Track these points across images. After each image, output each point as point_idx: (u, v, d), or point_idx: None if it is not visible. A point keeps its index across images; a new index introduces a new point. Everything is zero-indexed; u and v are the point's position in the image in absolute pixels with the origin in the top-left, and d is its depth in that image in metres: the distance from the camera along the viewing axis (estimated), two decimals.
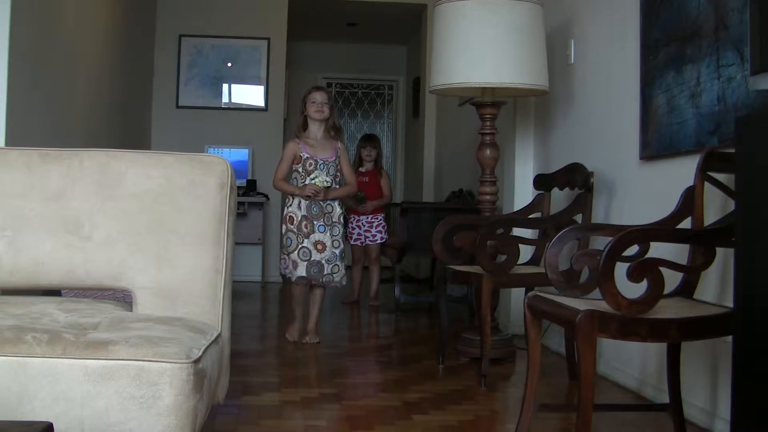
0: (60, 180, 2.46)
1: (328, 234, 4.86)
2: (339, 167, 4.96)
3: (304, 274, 4.80)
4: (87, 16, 5.44)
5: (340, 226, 4.94)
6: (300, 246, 4.82)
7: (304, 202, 4.84)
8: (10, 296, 2.51)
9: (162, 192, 2.46)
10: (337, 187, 4.99)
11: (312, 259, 4.81)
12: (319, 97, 4.91)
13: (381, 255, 7.06)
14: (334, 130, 4.98)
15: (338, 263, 4.89)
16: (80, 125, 5.35)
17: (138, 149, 2.98)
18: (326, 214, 4.88)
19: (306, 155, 4.88)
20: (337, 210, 4.95)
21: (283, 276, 5.04)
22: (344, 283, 4.98)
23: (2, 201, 2.44)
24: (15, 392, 1.87)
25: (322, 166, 4.86)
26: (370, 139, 7.29)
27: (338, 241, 4.90)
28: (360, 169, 7.07)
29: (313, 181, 4.77)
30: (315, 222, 4.84)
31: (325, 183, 4.77)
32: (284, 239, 4.92)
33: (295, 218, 4.86)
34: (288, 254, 4.86)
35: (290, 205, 4.90)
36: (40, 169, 2.48)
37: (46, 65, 4.39)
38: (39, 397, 1.87)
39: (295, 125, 5.11)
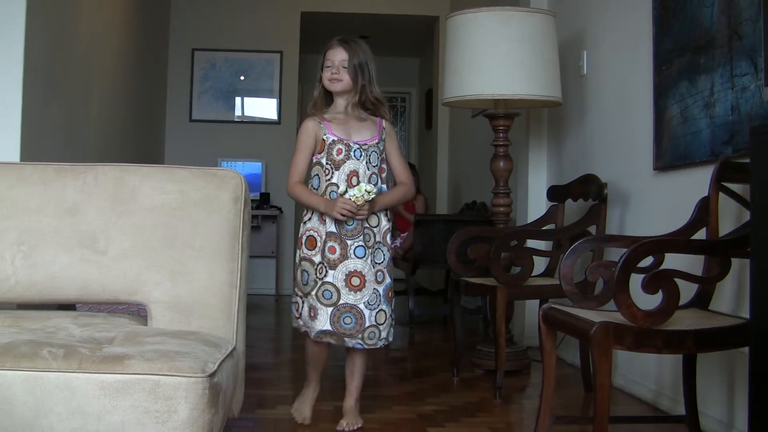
0: (75, 195, 2.48)
1: (368, 261, 3.14)
2: (384, 155, 3.27)
3: (328, 327, 3.11)
4: (101, 31, 5.48)
5: (387, 250, 3.24)
6: (321, 282, 3.12)
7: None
8: (25, 311, 2.52)
9: (176, 206, 2.47)
10: (384, 188, 3.27)
11: (341, 302, 3.11)
12: (336, 56, 3.22)
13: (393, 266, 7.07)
14: (371, 105, 3.28)
15: (384, 308, 3.18)
16: (94, 139, 5.37)
17: (151, 163, 3.00)
18: (367, 231, 3.17)
19: (332, 137, 3.17)
20: (384, 223, 3.24)
21: (297, 328, 3.29)
22: (391, 338, 3.27)
23: (18, 216, 2.46)
24: (31, 407, 1.88)
25: (358, 153, 3.15)
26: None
27: (382, 272, 3.20)
28: None
29: (351, 195, 3.05)
30: (349, 242, 3.13)
31: (366, 195, 3.05)
32: (298, 272, 3.21)
33: (317, 239, 3.16)
34: (304, 295, 3.18)
35: (309, 219, 3.22)
36: (56, 184, 2.49)
37: (60, 80, 4.42)
38: (55, 412, 1.88)
39: (312, 101, 3.32)
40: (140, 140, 7.23)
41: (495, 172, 4.50)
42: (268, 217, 8.11)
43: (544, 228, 4.38)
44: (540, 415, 2.85)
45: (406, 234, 6.93)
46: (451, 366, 4.35)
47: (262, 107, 8.71)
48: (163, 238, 2.45)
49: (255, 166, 8.27)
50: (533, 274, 3.99)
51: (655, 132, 3.66)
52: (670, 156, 3.54)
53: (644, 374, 3.75)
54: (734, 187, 2.82)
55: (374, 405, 3.60)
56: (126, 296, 2.46)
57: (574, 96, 4.74)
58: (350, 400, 3.32)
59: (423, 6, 8.79)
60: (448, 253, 4.20)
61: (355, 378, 3.33)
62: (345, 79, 3.21)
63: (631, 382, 3.86)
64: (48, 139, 4.16)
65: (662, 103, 3.60)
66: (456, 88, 4.36)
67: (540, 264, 4.28)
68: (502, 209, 4.48)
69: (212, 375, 1.94)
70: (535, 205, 5.18)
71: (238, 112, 8.68)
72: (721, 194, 2.84)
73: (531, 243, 4.39)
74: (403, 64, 11.04)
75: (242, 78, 8.62)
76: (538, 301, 4.18)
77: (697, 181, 3.20)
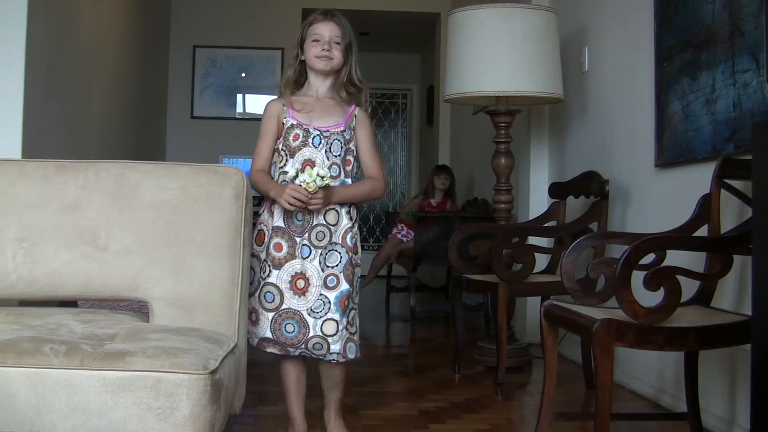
0: (76, 191, 2.48)
1: (315, 262, 2.78)
2: (350, 145, 2.88)
3: (268, 334, 2.78)
4: (102, 28, 5.47)
5: (345, 252, 2.82)
6: (264, 283, 2.80)
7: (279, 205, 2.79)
8: (27, 307, 2.52)
9: (178, 203, 2.47)
10: (347, 181, 2.86)
11: (283, 307, 2.77)
12: (328, 31, 2.85)
13: (396, 263, 7.06)
14: (352, 88, 2.91)
15: (334, 318, 2.76)
16: (95, 136, 5.37)
17: (153, 159, 2.99)
18: (322, 228, 2.80)
19: (291, 121, 2.87)
20: (344, 221, 2.83)
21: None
22: (351, 355, 2.83)
23: (19, 212, 2.45)
24: (33, 403, 1.88)
25: (317, 141, 2.81)
26: (446, 169, 7.16)
27: (335, 277, 2.79)
28: (431, 201, 7.01)
29: (301, 182, 2.68)
30: (297, 239, 2.79)
31: (319, 181, 2.66)
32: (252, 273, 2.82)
33: (265, 234, 2.84)
34: (249, 297, 2.79)
35: (262, 211, 2.90)
36: (57, 181, 2.49)
37: (61, 77, 4.42)
38: (56, 408, 1.88)
39: (284, 77, 3.02)
40: (141, 137, 7.23)
41: (496, 169, 4.49)
42: None
43: (545, 225, 4.37)
44: (541, 412, 2.85)
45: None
46: (452, 362, 4.35)
47: (263, 104, 8.60)
48: (164, 234, 2.45)
49: None
50: (534, 271, 3.99)
51: (657, 128, 3.66)
52: (671, 152, 3.53)
53: (646, 371, 3.75)
54: (736, 183, 2.82)
55: (375, 401, 3.60)
56: (127, 293, 2.46)
57: (576, 93, 4.73)
58: (330, 411, 2.99)
59: (424, 3, 8.79)
60: (450, 249, 4.20)
61: (333, 387, 2.95)
62: (337, 58, 2.85)
63: (632, 378, 3.86)
64: (49, 137, 4.16)
65: (664, 99, 3.60)
66: (457, 85, 4.36)
67: (541, 261, 4.28)
68: (503, 206, 4.48)
69: (214, 372, 1.94)
70: (537, 201, 5.18)
71: (239, 109, 8.68)
72: (722, 191, 2.83)
73: (532, 240, 4.40)
74: (404, 60, 11.04)
75: (243, 75, 8.62)
76: (539, 297, 4.18)
77: (698, 178, 3.20)
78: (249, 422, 3.25)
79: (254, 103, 8.71)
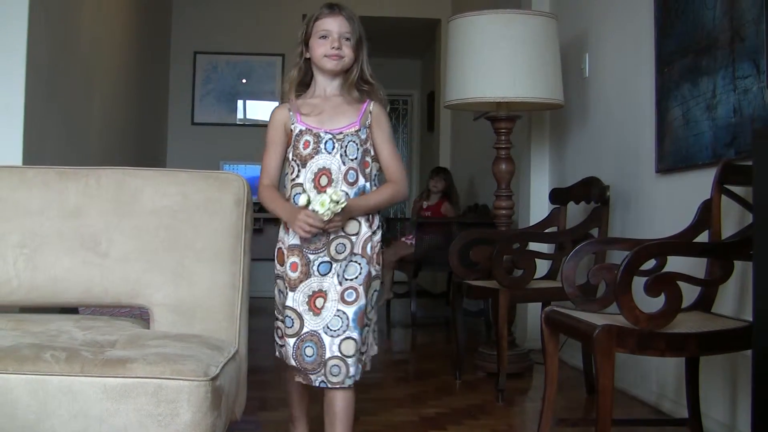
0: (77, 198, 2.48)
1: (334, 278, 2.56)
2: (367, 144, 2.61)
3: (292, 362, 2.56)
4: (103, 33, 5.48)
5: (366, 263, 2.57)
6: (283, 307, 2.59)
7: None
8: (28, 314, 2.52)
9: (179, 209, 2.47)
10: (366, 185, 2.60)
11: (304, 331, 2.53)
12: (335, 25, 2.61)
13: (397, 269, 7.05)
14: (365, 86, 2.69)
15: (353, 336, 2.52)
16: (96, 141, 5.37)
17: (153, 165, 3.00)
18: (342, 240, 2.56)
19: (300, 127, 2.59)
20: (364, 230, 2.58)
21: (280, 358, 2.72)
22: (357, 377, 2.57)
23: (20, 219, 2.45)
24: (34, 410, 1.87)
25: (329, 145, 2.55)
26: (439, 171, 7.08)
27: (354, 291, 2.54)
28: (424, 203, 6.96)
29: (314, 209, 2.42)
30: (311, 257, 2.56)
31: (334, 207, 2.40)
32: (276, 291, 2.68)
33: (285, 253, 2.60)
34: (276, 321, 2.68)
35: (280, 229, 2.67)
36: (58, 187, 2.49)
37: (62, 81, 4.42)
38: (57, 415, 1.88)
39: (287, 79, 2.71)
40: (142, 143, 7.23)
41: (497, 175, 4.50)
42: (270, 219, 8.07)
43: (546, 231, 4.37)
44: (542, 418, 2.85)
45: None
46: (453, 368, 4.35)
47: (263, 110, 8.71)
48: (165, 240, 2.45)
49: (257, 169, 8.14)
50: (535, 277, 3.99)
51: (657, 134, 3.66)
52: (672, 158, 3.53)
53: (646, 377, 3.74)
54: (736, 189, 2.82)
55: (376, 407, 3.60)
56: (128, 299, 2.46)
57: (576, 98, 4.73)
58: None
59: (425, 9, 8.80)
60: (451, 255, 4.20)
61: (336, 430, 2.56)
62: (348, 56, 2.60)
63: (633, 384, 3.85)
64: (50, 141, 4.15)
65: (664, 105, 3.60)
66: (458, 91, 4.36)
67: (542, 267, 4.28)
68: (504, 212, 4.48)
69: (215, 378, 1.94)
70: (537, 207, 5.18)
71: (240, 115, 8.68)
72: (723, 197, 2.83)
73: (533, 246, 4.39)
74: (405, 66, 11.05)
75: (244, 81, 8.63)
76: (540, 303, 4.17)
77: (699, 184, 3.20)
78: (250, 428, 3.25)
79: (255, 109, 8.73)
